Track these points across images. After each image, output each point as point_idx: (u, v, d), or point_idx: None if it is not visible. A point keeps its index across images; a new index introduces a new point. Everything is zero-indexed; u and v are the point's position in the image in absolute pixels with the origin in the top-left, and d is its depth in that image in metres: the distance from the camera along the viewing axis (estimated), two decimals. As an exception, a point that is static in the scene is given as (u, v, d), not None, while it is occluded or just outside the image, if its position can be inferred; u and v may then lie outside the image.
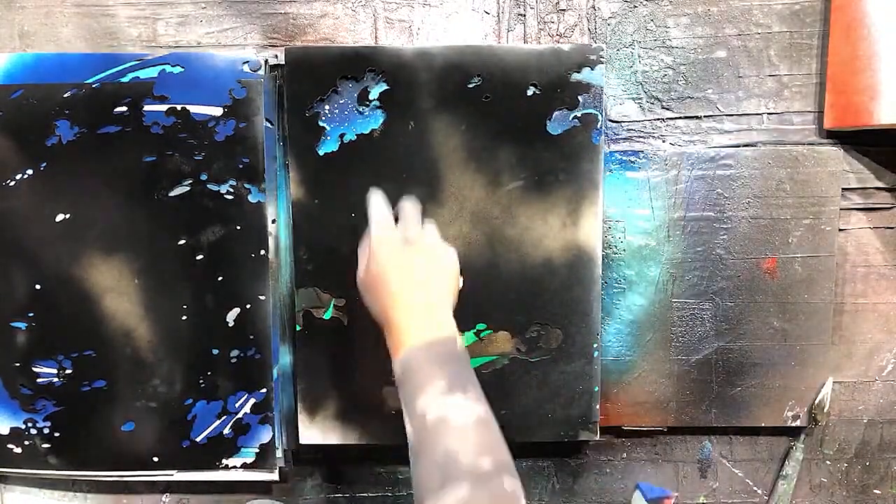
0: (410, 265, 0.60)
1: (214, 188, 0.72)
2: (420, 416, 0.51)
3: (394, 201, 0.72)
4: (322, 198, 0.72)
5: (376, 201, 0.66)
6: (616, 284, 0.76)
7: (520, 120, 0.71)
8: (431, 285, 0.60)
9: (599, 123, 0.71)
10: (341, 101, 0.71)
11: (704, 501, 0.81)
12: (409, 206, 0.66)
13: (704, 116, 0.75)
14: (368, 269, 0.61)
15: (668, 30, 0.74)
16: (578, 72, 0.70)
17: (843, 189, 0.74)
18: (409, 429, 0.53)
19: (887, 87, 0.67)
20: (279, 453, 0.76)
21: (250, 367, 0.74)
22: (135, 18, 0.75)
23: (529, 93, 0.71)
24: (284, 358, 0.77)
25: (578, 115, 0.71)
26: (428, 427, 0.50)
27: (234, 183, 0.72)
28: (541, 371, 0.74)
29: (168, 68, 0.71)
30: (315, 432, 0.75)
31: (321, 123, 0.71)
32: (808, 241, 0.74)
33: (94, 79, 0.71)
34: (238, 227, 0.73)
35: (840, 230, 0.75)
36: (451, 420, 0.50)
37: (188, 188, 0.72)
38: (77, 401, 0.75)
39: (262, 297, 0.73)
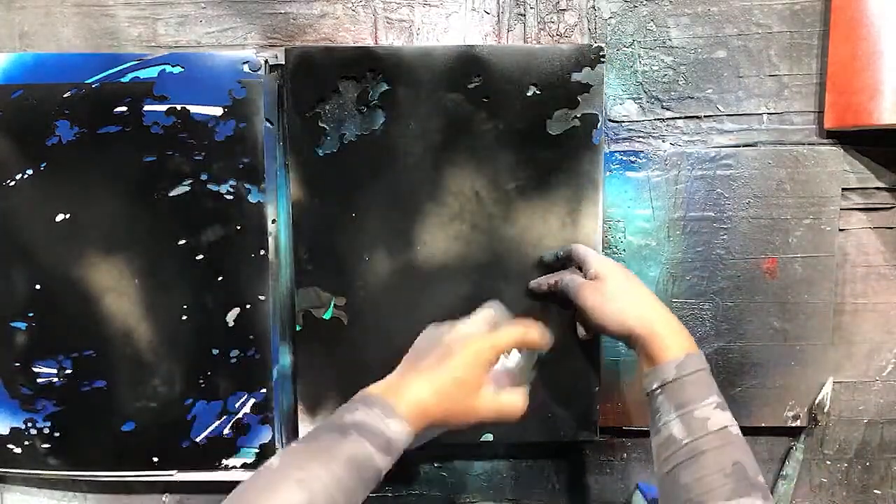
0: (641, 283, 0.63)
1: (214, 188, 0.72)
2: (702, 423, 0.54)
3: (394, 202, 0.72)
4: (322, 198, 0.72)
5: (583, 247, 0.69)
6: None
7: (520, 120, 0.71)
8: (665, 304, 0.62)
9: (599, 123, 0.71)
10: (341, 102, 0.71)
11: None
12: (583, 247, 0.69)
13: (704, 116, 0.75)
14: (606, 281, 0.63)
15: (668, 30, 0.74)
16: (578, 72, 0.70)
17: (843, 189, 0.74)
18: (677, 433, 0.55)
19: (887, 87, 0.67)
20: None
21: (250, 367, 0.74)
22: (135, 18, 0.75)
23: (529, 93, 0.71)
24: (284, 358, 0.77)
25: (578, 115, 0.71)
26: (712, 436, 0.53)
27: (234, 183, 0.72)
28: (541, 371, 0.74)
29: (168, 68, 0.71)
30: (315, 432, 0.75)
31: (321, 123, 0.71)
32: (808, 241, 0.74)
33: (94, 79, 0.71)
34: (238, 227, 0.73)
35: (840, 230, 0.75)
36: (733, 434, 0.54)
37: (188, 188, 0.72)
38: (77, 401, 0.75)
39: (262, 297, 0.73)
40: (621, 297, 0.62)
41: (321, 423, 0.54)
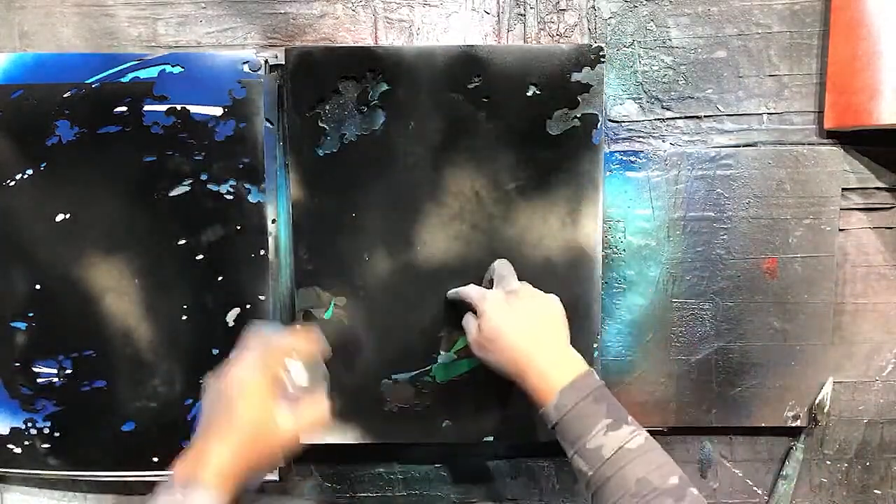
0: (525, 314, 0.63)
1: (214, 188, 0.72)
2: (596, 453, 0.55)
3: (394, 201, 0.72)
4: (322, 198, 0.72)
5: (470, 286, 0.69)
6: (616, 284, 0.76)
7: (520, 120, 0.71)
8: (549, 327, 0.63)
9: (599, 123, 0.71)
10: (341, 102, 0.71)
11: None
12: (503, 265, 0.69)
13: (704, 116, 0.75)
14: (482, 330, 0.63)
15: (668, 30, 0.74)
16: (578, 72, 0.70)
17: (843, 189, 0.74)
18: (581, 466, 0.56)
19: (887, 87, 0.67)
20: (279, 453, 0.76)
21: (250, 367, 0.74)
22: (135, 18, 0.75)
23: (529, 93, 0.70)
24: (284, 358, 0.77)
25: (578, 115, 0.71)
26: (609, 462, 0.54)
27: (234, 183, 0.72)
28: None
29: (168, 68, 0.71)
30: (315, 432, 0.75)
31: (321, 123, 0.71)
32: (808, 241, 0.74)
33: (94, 79, 0.71)
34: (238, 227, 0.73)
35: (840, 230, 0.75)
36: (629, 451, 0.54)
37: (188, 188, 0.72)
38: (77, 401, 0.75)
39: (262, 297, 0.73)
40: (496, 340, 0.62)
41: None
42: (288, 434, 0.54)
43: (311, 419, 0.56)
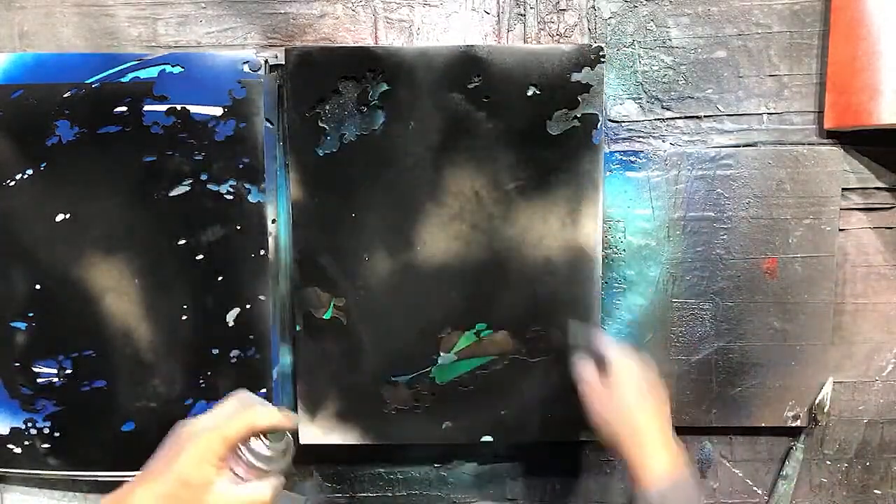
0: (659, 404, 0.65)
1: (214, 188, 0.72)
2: None
3: (393, 201, 0.72)
4: (322, 198, 0.72)
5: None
6: (616, 284, 0.76)
7: (520, 120, 0.71)
8: (665, 417, 0.65)
9: (599, 123, 0.71)
10: (341, 102, 0.71)
11: (704, 501, 0.81)
12: (631, 349, 0.69)
13: (704, 116, 0.75)
14: (615, 397, 0.65)
15: (668, 30, 0.74)
16: (578, 72, 0.70)
17: (843, 189, 0.74)
18: None
19: (887, 87, 0.67)
20: (279, 453, 0.76)
21: (250, 367, 0.74)
22: (135, 18, 0.75)
23: (529, 93, 0.70)
24: (284, 358, 0.77)
25: (578, 115, 0.71)
26: None
27: (234, 183, 0.72)
28: (541, 371, 0.74)
29: (168, 68, 0.71)
30: (315, 432, 0.75)
31: (321, 123, 0.71)
32: (808, 241, 0.74)
33: (94, 79, 0.71)
34: (238, 227, 0.73)
35: (840, 230, 0.75)
36: None
37: (188, 188, 0.72)
38: (77, 401, 0.75)
39: (262, 297, 0.73)
40: (619, 409, 0.63)
41: None
42: None
43: (249, 501, 0.52)
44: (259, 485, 0.53)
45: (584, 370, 0.68)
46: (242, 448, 0.52)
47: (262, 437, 0.53)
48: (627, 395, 0.64)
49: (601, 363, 0.67)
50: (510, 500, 0.82)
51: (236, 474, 0.52)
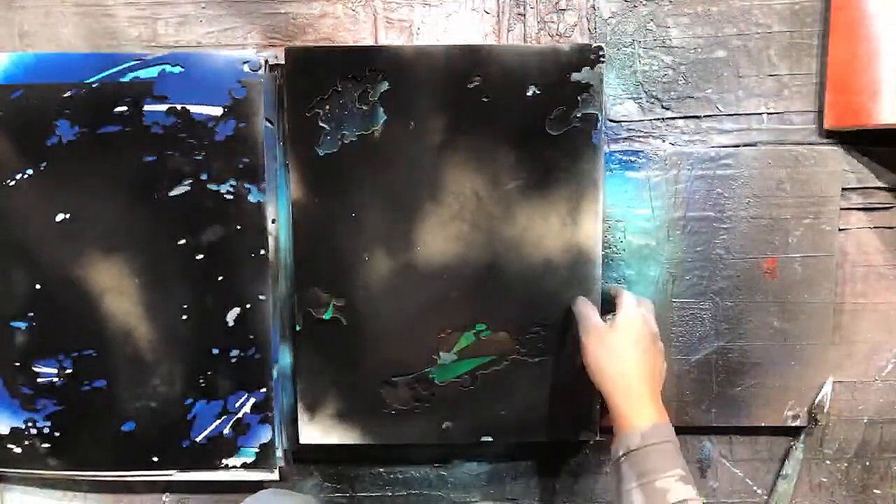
0: (654, 359, 0.64)
1: (214, 188, 0.72)
2: (661, 495, 0.56)
3: (393, 201, 0.72)
4: (322, 198, 0.72)
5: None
6: (616, 284, 0.76)
7: (520, 120, 0.71)
8: (658, 375, 0.65)
9: (599, 123, 0.71)
10: (342, 101, 0.71)
11: (704, 501, 0.81)
12: (650, 303, 0.70)
13: (704, 116, 0.75)
14: (614, 341, 0.64)
15: (668, 30, 0.74)
16: (578, 72, 0.70)
17: (843, 189, 0.74)
18: (637, 497, 0.57)
19: (887, 87, 0.67)
20: (279, 453, 0.76)
21: (250, 366, 0.74)
22: (135, 18, 0.75)
23: (529, 93, 0.70)
24: (284, 358, 0.77)
25: (578, 114, 0.71)
26: None
27: (234, 183, 0.72)
28: (541, 371, 0.74)
29: (168, 68, 0.71)
30: (315, 432, 0.75)
31: (321, 123, 0.71)
32: (808, 241, 0.74)
33: (94, 79, 0.71)
34: (238, 227, 0.73)
35: (840, 230, 0.75)
36: None
37: (188, 188, 0.72)
38: (77, 401, 0.75)
39: (262, 297, 0.73)
40: (617, 352, 0.63)
41: None
42: None
43: None
44: None
45: (586, 308, 0.68)
46: None
47: None
48: (626, 343, 0.63)
49: (607, 310, 0.67)
50: (510, 500, 0.82)
51: None
